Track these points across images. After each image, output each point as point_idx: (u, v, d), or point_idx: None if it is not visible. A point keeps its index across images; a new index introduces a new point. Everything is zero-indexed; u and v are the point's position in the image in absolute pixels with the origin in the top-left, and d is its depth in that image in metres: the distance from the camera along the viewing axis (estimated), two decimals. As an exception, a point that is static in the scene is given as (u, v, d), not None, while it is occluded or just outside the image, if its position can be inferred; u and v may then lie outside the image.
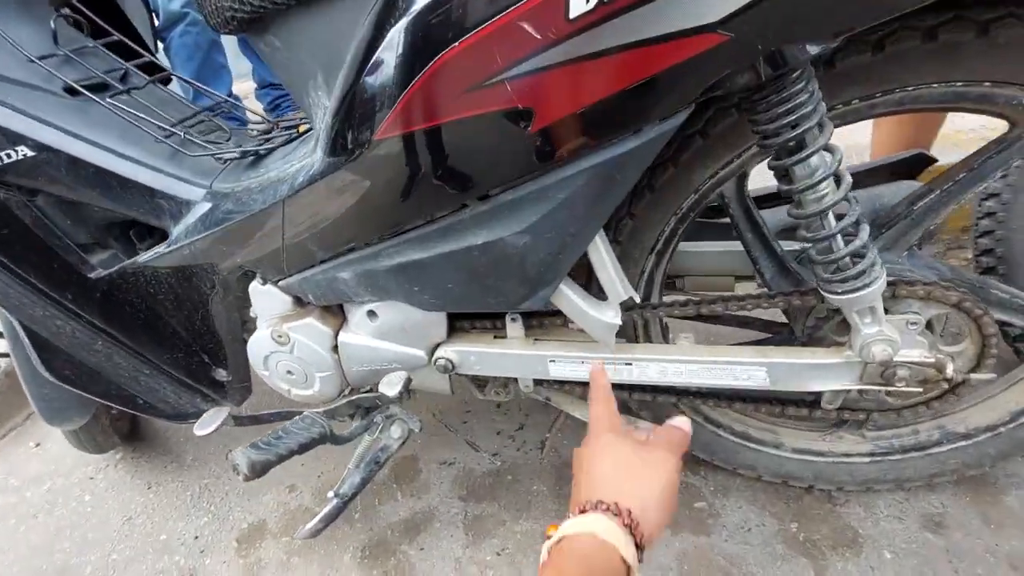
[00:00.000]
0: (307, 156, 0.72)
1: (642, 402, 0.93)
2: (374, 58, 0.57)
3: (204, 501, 1.24)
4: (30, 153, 0.78)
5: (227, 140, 0.86)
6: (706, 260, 0.94)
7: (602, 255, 0.69)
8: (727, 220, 0.99)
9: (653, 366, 0.78)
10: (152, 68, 0.93)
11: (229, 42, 2.29)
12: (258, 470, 0.80)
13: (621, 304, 0.74)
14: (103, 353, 0.93)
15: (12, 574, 1.17)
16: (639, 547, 0.44)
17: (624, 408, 0.99)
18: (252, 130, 0.90)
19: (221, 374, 1.00)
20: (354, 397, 0.90)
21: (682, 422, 0.62)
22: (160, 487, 1.30)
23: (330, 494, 0.92)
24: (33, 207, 0.86)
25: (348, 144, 0.63)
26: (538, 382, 0.92)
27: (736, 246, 0.96)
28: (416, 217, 0.69)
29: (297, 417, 0.86)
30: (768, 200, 0.91)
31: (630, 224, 0.76)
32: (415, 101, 0.56)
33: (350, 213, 0.71)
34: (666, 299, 0.83)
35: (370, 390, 0.97)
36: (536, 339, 0.84)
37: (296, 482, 1.24)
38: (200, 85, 1.01)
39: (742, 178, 0.76)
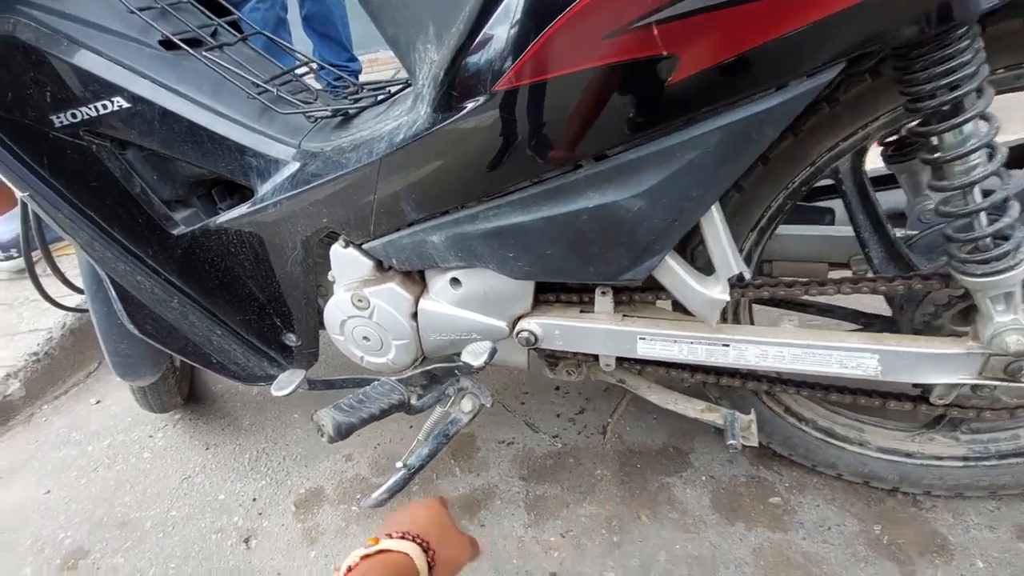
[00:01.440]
0: (406, 114, 0.70)
1: (726, 388, 0.89)
2: (500, 7, 0.55)
3: (262, 464, 1.25)
4: (125, 104, 0.79)
5: (315, 100, 0.86)
6: (800, 245, 0.90)
7: (716, 225, 0.66)
8: (822, 204, 0.96)
9: (753, 349, 0.74)
10: (239, 28, 0.94)
11: (293, 24, 2.32)
12: (343, 432, 0.79)
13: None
14: (179, 311, 0.94)
15: (75, 524, 1.19)
16: (431, 566, 0.57)
17: (698, 393, 0.96)
18: (337, 93, 0.89)
19: (291, 339, 0.99)
20: (431, 367, 0.88)
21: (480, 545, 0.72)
22: (218, 448, 1.31)
23: (398, 464, 0.91)
24: (123, 160, 0.86)
25: (460, 98, 0.61)
26: (619, 361, 0.89)
27: (833, 231, 0.91)
28: (523, 177, 0.66)
29: (376, 383, 0.85)
30: (878, 183, 0.87)
31: (736, 197, 0.72)
32: (546, 49, 0.53)
33: (452, 172, 0.68)
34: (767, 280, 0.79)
35: (446, 360, 0.95)
36: (625, 315, 0.81)
37: (352, 451, 1.23)
38: (288, 46, 1.00)
39: (860, 153, 0.72)
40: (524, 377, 1.33)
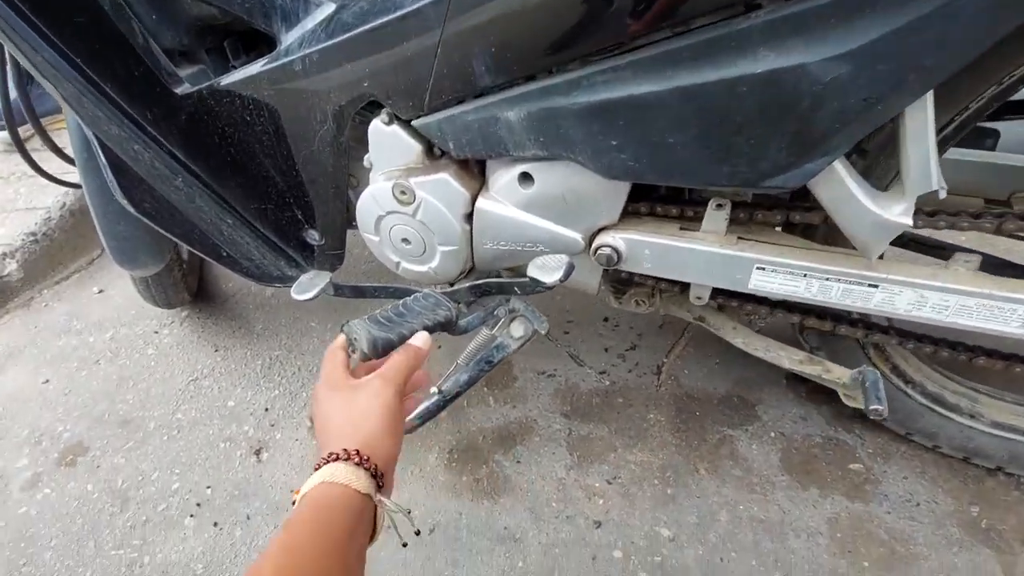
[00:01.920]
0: None
1: (827, 336, 0.75)
2: None
3: (275, 373, 1.14)
4: None
5: None
6: (954, 172, 0.72)
7: (926, 120, 0.47)
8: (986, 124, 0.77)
9: (909, 294, 0.59)
10: None
11: None
12: (379, 349, 0.65)
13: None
14: (184, 192, 0.78)
15: (74, 418, 1.10)
16: (377, 475, 0.47)
17: (789, 338, 0.82)
18: None
19: (313, 236, 0.84)
20: (487, 280, 0.74)
21: (422, 340, 0.59)
22: (228, 351, 1.20)
23: (432, 389, 0.80)
24: None
25: None
26: (717, 295, 0.74)
27: (998, 158, 0.74)
28: (665, 19, 0.47)
29: (419, 295, 0.70)
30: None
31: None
32: None
33: (557, 14, 0.50)
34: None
35: (499, 274, 0.81)
36: (740, 237, 0.65)
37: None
38: None
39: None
40: (568, 302, 1.19)
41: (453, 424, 1.00)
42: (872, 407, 0.67)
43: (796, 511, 0.82)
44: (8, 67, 0.91)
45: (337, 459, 0.46)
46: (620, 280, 0.81)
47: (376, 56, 0.59)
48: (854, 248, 0.60)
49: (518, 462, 0.93)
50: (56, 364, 1.23)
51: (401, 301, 0.72)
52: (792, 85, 0.45)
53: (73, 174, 1.06)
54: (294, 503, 0.45)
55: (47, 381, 1.19)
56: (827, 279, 0.62)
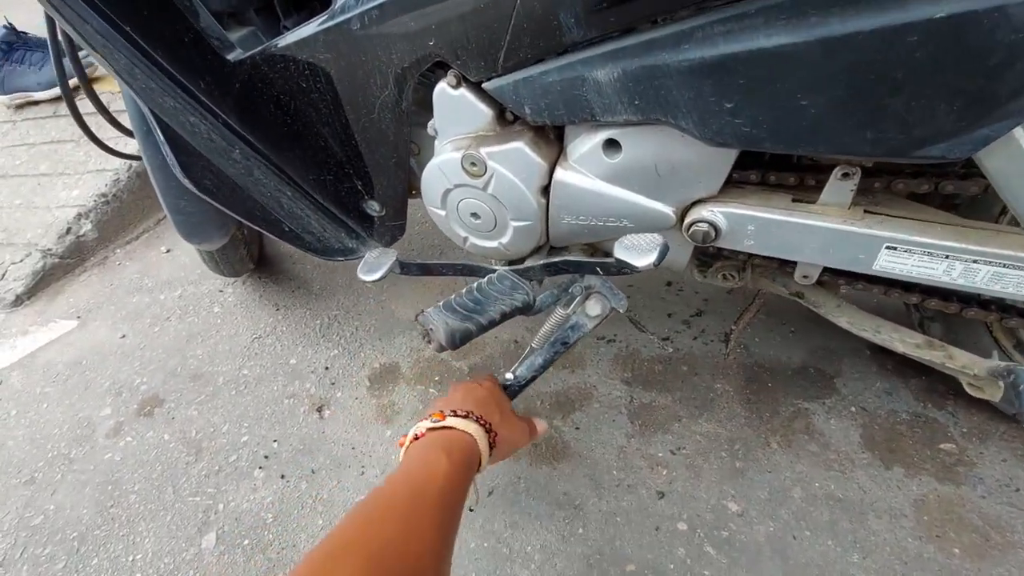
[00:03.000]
0: None
1: (950, 318, 0.68)
2: None
3: (334, 333, 1.16)
4: None
5: None
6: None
7: None
8: None
9: None
10: None
11: None
12: (456, 341, 0.62)
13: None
14: (242, 165, 0.75)
15: (149, 371, 1.16)
16: (492, 446, 0.57)
17: (898, 315, 0.74)
18: None
19: (373, 207, 0.80)
20: (560, 259, 0.68)
21: (543, 428, 0.71)
22: (288, 311, 1.23)
23: (508, 375, 0.76)
24: None
25: None
26: (829, 275, 0.67)
27: None
28: None
29: (493, 276, 0.66)
30: None
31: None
32: None
33: None
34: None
35: (590, 250, 0.76)
36: (867, 211, 0.56)
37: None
38: None
39: None
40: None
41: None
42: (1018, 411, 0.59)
43: (878, 491, 0.77)
44: (60, 37, 0.89)
45: (484, 426, 0.57)
46: (707, 252, 0.74)
47: (444, 9, 0.54)
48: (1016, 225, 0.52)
49: (577, 428, 0.91)
50: (131, 320, 1.29)
51: (475, 284, 0.68)
52: (984, 32, 0.37)
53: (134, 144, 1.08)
54: (435, 420, 0.55)
55: (124, 336, 1.26)
56: (975, 261, 0.53)
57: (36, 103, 1.86)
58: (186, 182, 0.75)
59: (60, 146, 1.70)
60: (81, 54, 0.93)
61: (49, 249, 1.46)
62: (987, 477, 0.76)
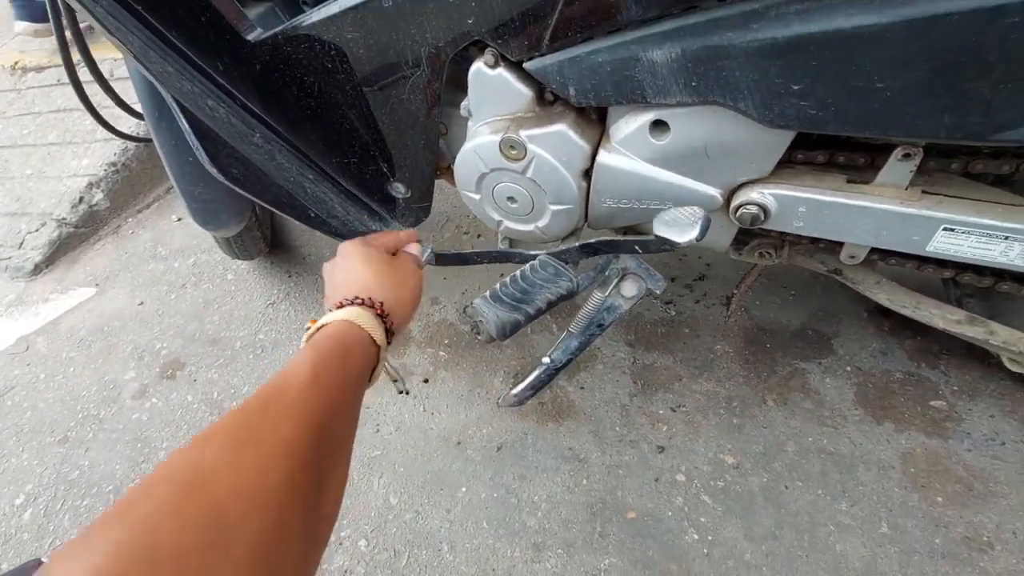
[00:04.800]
0: None
1: (990, 294, 0.69)
2: None
3: (345, 299, 1.19)
4: None
5: None
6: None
7: None
8: None
9: None
10: None
11: None
12: (507, 333, 0.63)
13: None
14: (264, 149, 0.73)
15: (169, 336, 1.20)
16: (390, 332, 0.49)
17: (935, 291, 0.75)
18: None
19: (398, 189, 0.79)
20: (597, 240, 0.66)
21: (415, 248, 0.62)
22: (300, 277, 1.26)
23: (544, 359, 0.77)
24: None
25: None
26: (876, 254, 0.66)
27: None
28: None
29: (535, 263, 0.65)
30: None
31: None
32: None
33: None
34: None
35: (628, 231, 0.76)
36: (925, 192, 0.56)
37: (439, 295, 1.15)
38: None
39: None
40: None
41: (517, 350, 1.02)
42: None
43: (868, 445, 0.81)
44: (63, 16, 0.84)
45: (362, 304, 0.48)
46: (745, 230, 0.73)
47: None
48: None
49: (582, 388, 0.95)
50: (148, 287, 1.33)
51: (519, 272, 0.67)
52: None
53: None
54: (308, 328, 0.46)
55: (142, 303, 1.30)
56: None
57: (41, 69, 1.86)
58: (212, 170, 0.74)
59: (67, 115, 1.70)
60: (83, 25, 0.92)
61: (64, 218, 1.49)
62: (974, 432, 0.80)
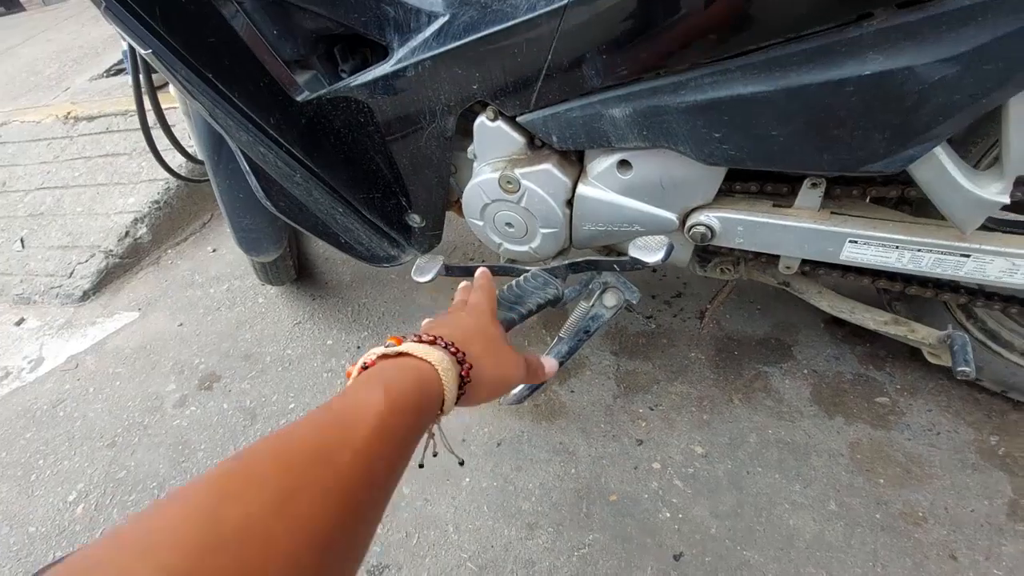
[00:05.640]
0: None
1: (912, 299, 0.80)
2: None
3: (363, 317, 1.33)
4: None
5: None
6: None
7: None
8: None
9: (1001, 263, 0.64)
10: None
11: None
12: (505, 327, 0.76)
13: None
14: (303, 186, 0.87)
15: (206, 353, 1.34)
16: (459, 396, 0.43)
17: (871, 299, 0.88)
18: None
19: (415, 219, 0.93)
20: (583, 259, 0.79)
21: (551, 366, 0.57)
22: (323, 299, 1.41)
23: None
24: (241, 10, 0.76)
25: None
26: (805, 263, 0.79)
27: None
28: (778, 32, 0.52)
29: (528, 275, 0.78)
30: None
31: None
32: None
33: (668, 25, 0.55)
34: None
35: (606, 251, 0.89)
36: (833, 212, 0.68)
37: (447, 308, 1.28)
38: None
39: None
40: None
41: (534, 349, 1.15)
42: (960, 368, 0.72)
43: (820, 436, 0.92)
44: (141, 76, 1.01)
45: (455, 355, 0.42)
46: (706, 250, 0.86)
47: (487, 61, 0.65)
48: (944, 219, 0.64)
49: (572, 392, 1.07)
50: (187, 311, 1.48)
51: (514, 282, 0.80)
52: (899, 84, 0.50)
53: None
54: (388, 345, 0.42)
55: (181, 324, 1.45)
56: (919, 250, 0.66)
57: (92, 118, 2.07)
58: (266, 203, 0.88)
59: (115, 159, 1.90)
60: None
61: (110, 250, 1.66)
62: (913, 424, 0.91)
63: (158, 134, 1.13)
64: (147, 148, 1.76)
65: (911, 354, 0.98)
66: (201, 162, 1.08)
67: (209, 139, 0.96)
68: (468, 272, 0.90)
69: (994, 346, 0.84)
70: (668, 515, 0.87)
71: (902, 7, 0.48)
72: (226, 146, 0.94)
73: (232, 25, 0.74)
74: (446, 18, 0.66)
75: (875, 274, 0.78)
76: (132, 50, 0.97)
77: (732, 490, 0.88)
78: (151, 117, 1.09)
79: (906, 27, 0.48)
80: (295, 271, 1.41)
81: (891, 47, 0.49)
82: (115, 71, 2.38)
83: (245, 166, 0.85)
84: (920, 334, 0.81)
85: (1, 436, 1.29)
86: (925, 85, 0.49)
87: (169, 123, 1.12)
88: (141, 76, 1.00)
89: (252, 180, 0.86)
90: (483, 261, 1.38)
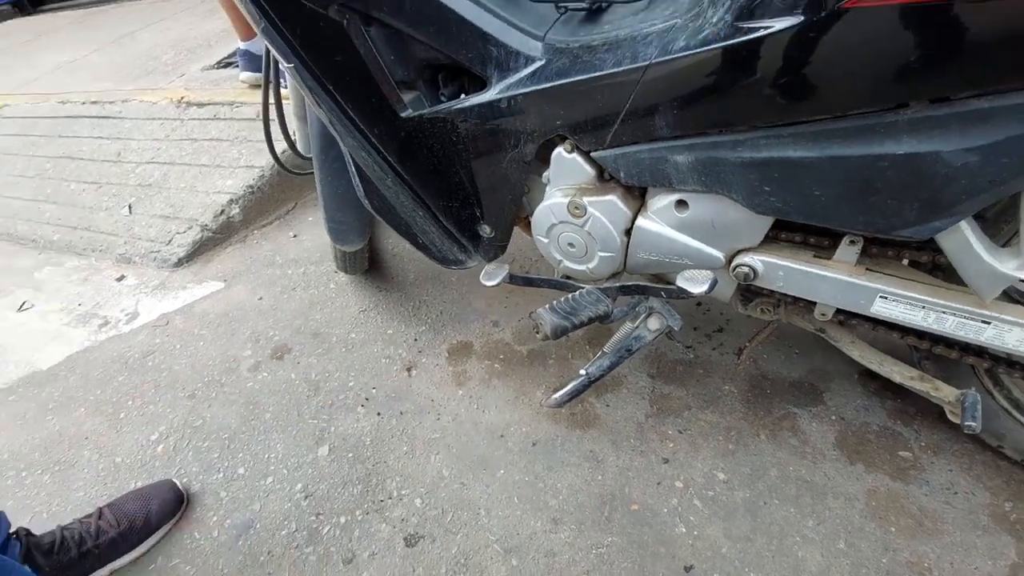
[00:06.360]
0: (684, 16, 0.65)
1: (940, 358, 0.86)
2: None
3: (422, 313, 1.46)
4: None
5: None
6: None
7: None
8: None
9: (1018, 333, 0.68)
10: None
11: None
12: (557, 334, 0.83)
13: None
14: (392, 189, 0.97)
15: (280, 327, 1.50)
16: None
17: (903, 355, 0.93)
18: None
19: (485, 230, 1.02)
20: (634, 283, 0.88)
21: None
22: (387, 292, 1.54)
23: (581, 372, 0.97)
24: (367, 37, 0.85)
25: (777, 10, 0.56)
26: (840, 312, 0.85)
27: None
28: (828, 109, 0.59)
29: (584, 291, 0.87)
30: None
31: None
32: None
33: (735, 92, 0.63)
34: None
35: (655, 278, 0.97)
36: (868, 268, 0.75)
37: (499, 319, 1.39)
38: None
39: None
40: (666, 287, 1.37)
41: (558, 369, 1.25)
42: (966, 423, 0.77)
43: (839, 479, 0.97)
44: (271, 96, 1.17)
45: None
46: (749, 289, 0.93)
47: (572, 103, 0.74)
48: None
49: (607, 405, 1.15)
50: (266, 287, 1.65)
51: (571, 295, 0.90)
52: (927, 165, 0.57)
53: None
54: None
55: (261, 298, 1.61)
56: (943, 312, 0.72)
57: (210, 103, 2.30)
58: (364, 201, 1.01)
59: (219, 143, 2.11)
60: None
61: (206, 225, 1.85)
62: (932, 480, 0.95)
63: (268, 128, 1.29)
64: (247, 138, 1.96)
65: (939, 415, 1.01)
66: (305, 157, 1.24)
67: (321, 140, 1.10)
68: (529, 283, 1.01)
69: (1017, 415, 0.88)
70: (684, 530, 0.94)
71: (933, 102, 0.56)
72: (335, 148, 1.07)
73: (357, 49, 0.85)
74: (542, 63, 0.76)
75: (904, 330, 0.84)
76: (270, 57, 1.12)
77: (747, 516, 0.94)
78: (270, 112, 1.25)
79: (936, 119, 0.56)
80: (367, 263, 1.55)
81: (922, 133, 0.56)
82: (225, 63, 2.62)
83: (352, 168, 0.97)
84: (943, 392, 0.85)
85: (98, 376, 1.47)
86: (950, 168, 0.57)
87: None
88: (271, 81, 1.16)
89: (355, 180, 0.99)
90: (539, 273, 1.49)
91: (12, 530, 0.95)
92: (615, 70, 0.69)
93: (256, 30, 0.87)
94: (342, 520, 1.05)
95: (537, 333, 0.84)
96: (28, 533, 0.98)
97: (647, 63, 0.66)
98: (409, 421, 1.20)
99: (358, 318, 1.48)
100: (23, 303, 1.83)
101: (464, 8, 0.78)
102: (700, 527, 0.94)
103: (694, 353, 1.23)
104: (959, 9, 0.50)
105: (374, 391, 1.28)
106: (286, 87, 1.30)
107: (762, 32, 0.58)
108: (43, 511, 1.17)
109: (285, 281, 1.66)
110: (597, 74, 0.70)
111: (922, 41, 0.52)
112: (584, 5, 0.78)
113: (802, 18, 0.56)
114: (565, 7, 0.79)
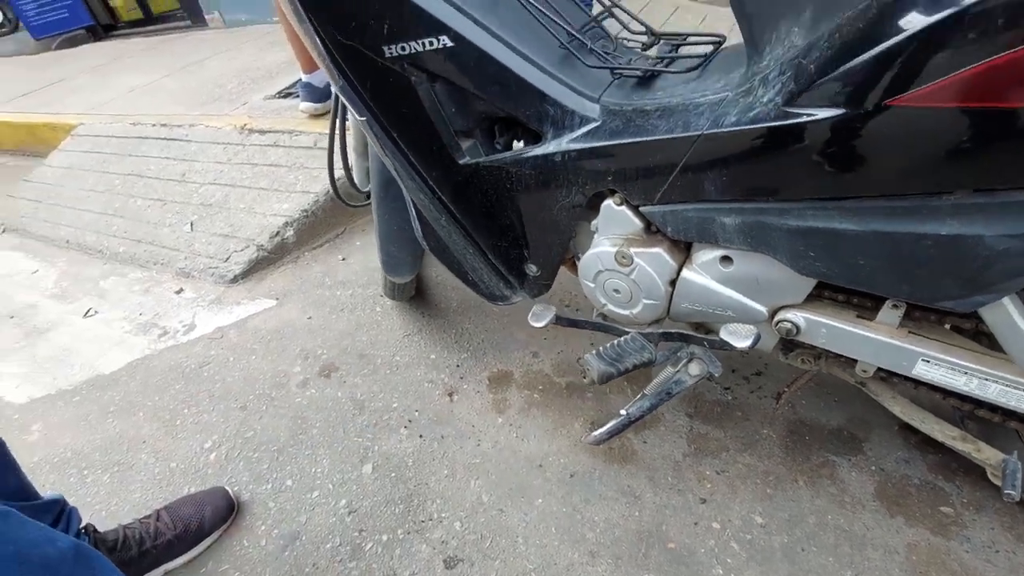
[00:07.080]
0: (735, 91, 0.68)
1: (982, 419, 0.87)
2: (910, 14, 0.52)
3: (464, 341, 1.51)
4: (448, 43, 0.82)
5: (614, 50, 0.89)
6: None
7: None
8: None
9: None
10: None
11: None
12: (604, 380, 0.87)
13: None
14: (446, 229, 1.02)
15: (328, 346, 1.56)
16: None
17: (945, 412, 0.94)
18: (629, 41, 0.94)
19: (532, 269, 1.06)
20: (677, 331, 0.91)
21: None
22: (431, 319, 1.60)
23: (622, 411, 1.00)
24: (433, 92, 0.91)
25: (826, 99, 0.60)
26: (881, 370, 0.87)
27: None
28: (875, 190, 0.62)
29: (629, 338, 0.91)
30: None
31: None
32: (983, 77, 0.50)
33: (784, 167, 0.66)
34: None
35: (698, 327, 1.00)
36: (911, 332, 0.76)
37: (539, 350, 1.43)
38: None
39: None
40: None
41: (597, 403, 1.28)
42: (1006, 491, 0.78)
43: (879, 531, 0.97)
44: (336, 135, 1.27)
45: None
46: (791, 340, 0.93)
47: (624, 162, 0.79)
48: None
49: (645, 442, 1.18)
50: (316, 307, 1.73)
51: (617, 341, 0.94)
52: (970, 247, 0.60)
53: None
54: None
55: (310, 318, 1.69)
56: (986, 379, 0.73)
57: (264, 131, 2.44)
58: (423, 242, 1.07)
59: (277, 169, 2.24)
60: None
61: (262, 245, 1.96)
62: (974, 538, 0.94)
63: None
64: (304, 165, 2.07)
65: (981, 472, 1.01)
66: (360, 191, 1.36)
67: (380, 180, 1.18)
68: (574, 324, 1.06)
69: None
70: (721, 572, 0.95)
71: (976, 191, 0.59)
72: (393, 187, 1.14)
73: (423, 103, 0.92)
74: (597, 123, 0.81)
75: (947, 392, 0.85)
76: (339, 102, 1.23)
77: (785, 562, 0.95)
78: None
79: (979, 206, 0.59)
80: (414, 291, 1.62)
81: (966, 217, 0.60)
82: (285, 94, 2.78)
83: (412, 209, 1.04)
84: (985, 454, 0.86)
85: (156, 383, 1.56)
86: (993, 252, 0.59)
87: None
88: (337, 121, 1.26)
89: (415, 221, 1.06)
90: (577, 310, 1.53)
91: (81, 525, 1.02)
92: (668, 136, 0.73)
93: (334, 88, 0.96)
94: (384, 538, 1.09)
95: (584, 378, 0.88)
96: (95, 529, 1.04)
97: (699, 133, 0.70)
98: (450, 445, 1.24)
99: (403, 342, 1.54)
100: (88, 310, 1.95)
101: (525, 70, 0.83)
102: (737, 570, 0.95)
103: (732, 395, 1.25)
104: (1000, 113, 0.53)
105: (416, 413, 1.33)
106: (348, 123, 1.40)
107: (805, 119, 0.62)
108: (103, 509, 1.23)
109: (334, 302, 1.74)
110: (650, 138, 0.75)
111: (965, 139, 0.56)
112: (639, 73, 0.84)
113: (845, 110, 0.59)
114: (620, 73, 0.85)
